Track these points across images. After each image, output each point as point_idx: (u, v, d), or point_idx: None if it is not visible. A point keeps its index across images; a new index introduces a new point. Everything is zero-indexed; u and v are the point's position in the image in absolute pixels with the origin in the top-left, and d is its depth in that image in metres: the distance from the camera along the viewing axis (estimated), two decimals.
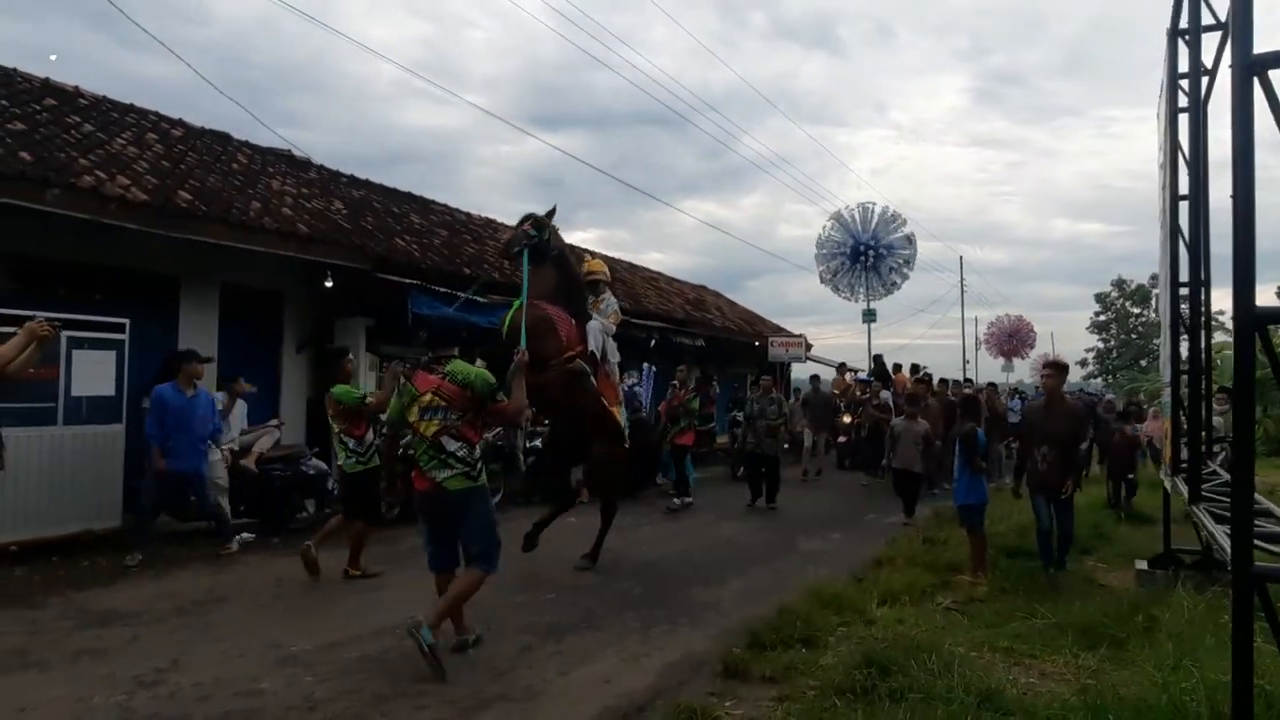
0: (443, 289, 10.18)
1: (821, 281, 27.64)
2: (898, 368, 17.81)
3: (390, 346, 10.48)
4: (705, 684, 4.34)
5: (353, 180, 13.42)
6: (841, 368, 18.17)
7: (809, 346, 21.02)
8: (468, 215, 15.72)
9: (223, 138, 11.69)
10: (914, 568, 6.87)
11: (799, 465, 14.35)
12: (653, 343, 15.38)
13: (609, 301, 7.38)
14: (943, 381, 14.57)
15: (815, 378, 16.69)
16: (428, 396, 4.53)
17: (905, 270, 26.88)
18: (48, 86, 9.72)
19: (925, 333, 63.23)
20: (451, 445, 4.48)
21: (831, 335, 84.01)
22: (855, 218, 26.97)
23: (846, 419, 15.48)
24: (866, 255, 26.47)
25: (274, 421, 8.89)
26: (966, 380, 17.19)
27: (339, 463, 6.67)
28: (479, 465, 4.59)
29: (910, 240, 26.87)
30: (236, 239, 8.51)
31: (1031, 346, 35.57)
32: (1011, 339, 35.65)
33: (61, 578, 6.26)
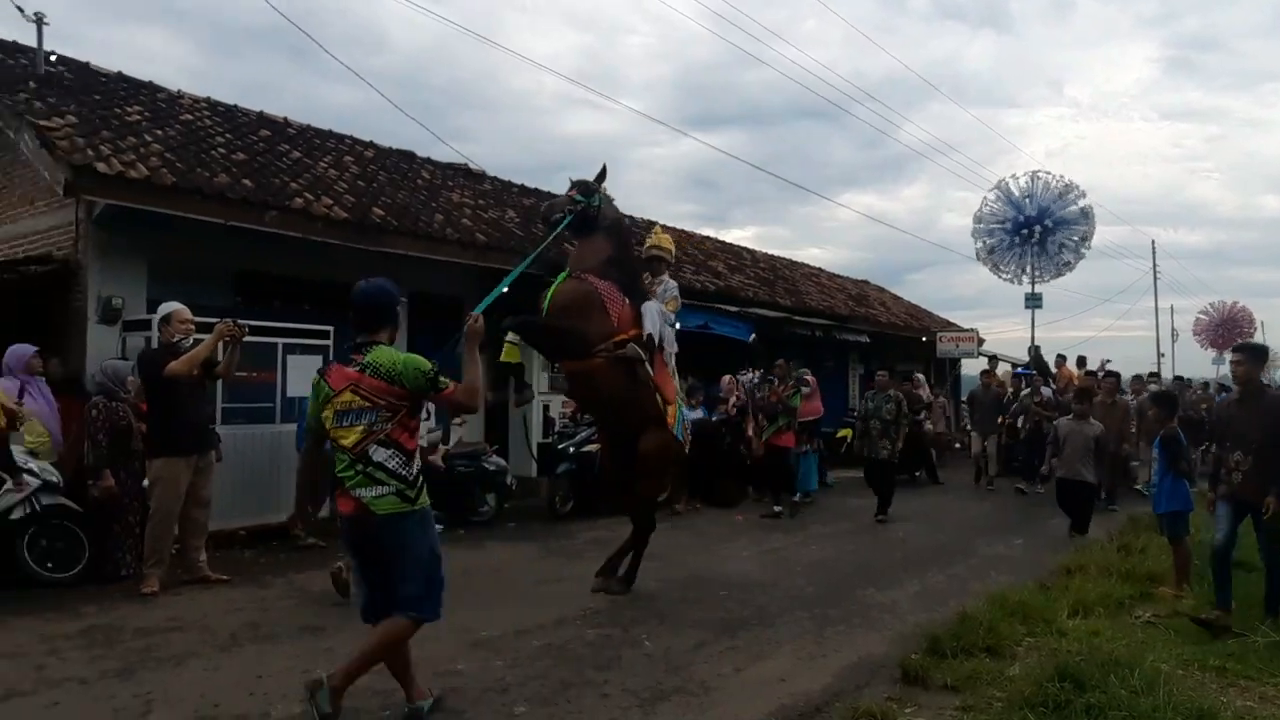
0: None
1: (978, 258, 24.46)
2: (1062, 360, 15.73)
3: None
4: (883, 688, 4.27)
5: (523, 189, 14.07)
6: (992, 362, 16.30)
7: (981, 341, 20.00)
8: (630, 219, 16.08)
9: (408, 156, 12.60)
10: (1108, 577, 6.42)
11: (951, 469, 13.67)
12: (815, 339, 15.16)
13: (668, 286, 6.30)
14: (1109, 374, 12.16)
15: (985, 373, 15.34)
16: (345, 396, 3.47)
17: (1080, 249, 23.42)
18: (263, 119, 10.85)
19: (1112, 324, 58.39)
20: (380, 455, 3.45)
21: (1003, 328, 79.10)
22: (1024, 187, 23.65)
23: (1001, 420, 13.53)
24: (1034, 230, 23.12)
25: (457, 420, 9.48)
26: (1151, 375, 15.31)
27: None
28: (418, 481, 3.56)
29: (1087, 215, 23.39)
30: (423, 250, 9.18)
31: (1250, 337, 31.71)
32: (1225, 328, 31.85)
33: (281, 560, 7.00)
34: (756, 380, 10.92)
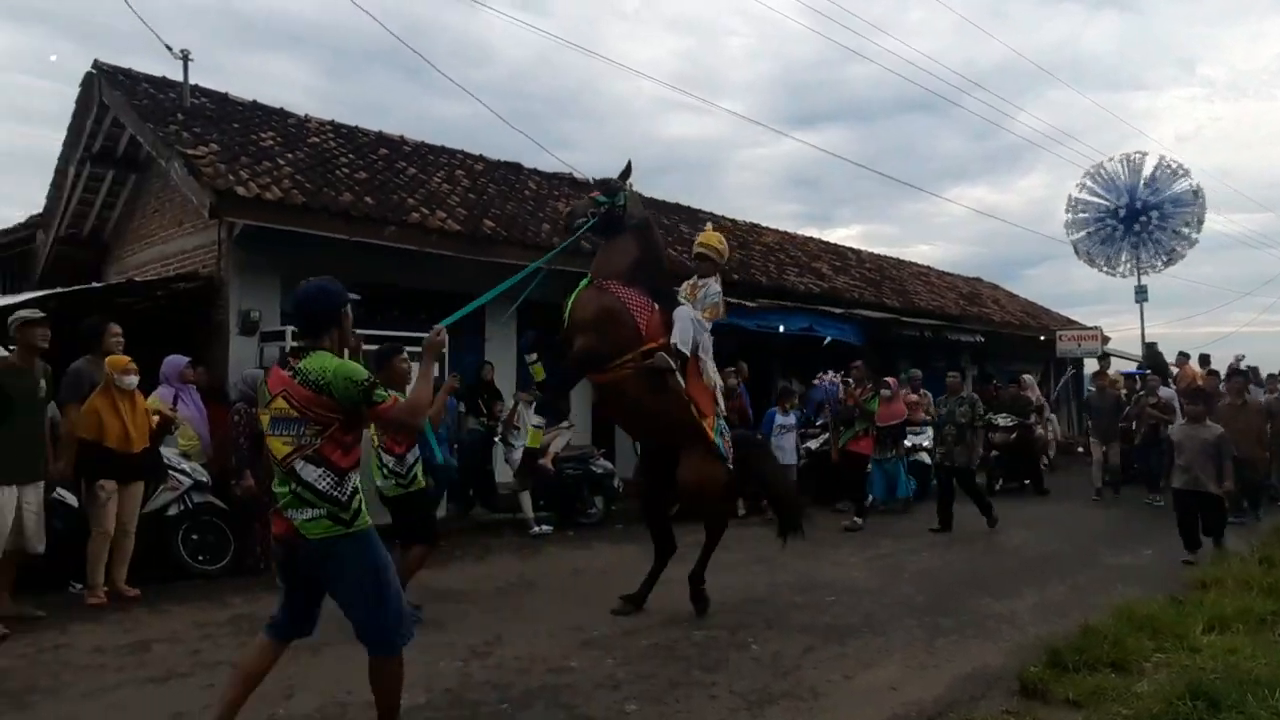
0: None
1: (1076, 254, 23.03)
2: (1184, 358, 14.27)
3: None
4: (999, 701, 4.17)
5: None
6: (1104, 362, 15.09)
7: (1106, 339, 19.00)
8: (732, 221, 16.10)
9: (515, 168, 13.01)
10: (1248, 592, 6.02)
11: (1068, 475, 12.99)
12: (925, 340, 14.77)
13: (710, 291, 5.75)
14: (1236, 373, 10.61)
15: (1098, 374, 13.74)
16: (278, 402, 3.10)
17: (1191, 233, 21.74)
18: (381, 138, 11.44)
19: (1255, 319, 53.74)
20: (309, 474, 3.06)
21: (1129, 325, 74.46)
22: (1120, 172, 22.04)
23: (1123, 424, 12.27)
24: (1136, 217, 21.58)
25: (565, 424, 9.74)
26: None
27: (376, 483, 5.48)
28: (352, 502, 3.12)
29: (1198, 195, 21.59)
30: (531, 259, 9.44)
31: None
32: None
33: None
34: (835, 384, 10.34)
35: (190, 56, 9.05)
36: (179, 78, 9.31)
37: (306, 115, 10.96)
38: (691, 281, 5.82)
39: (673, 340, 5.27)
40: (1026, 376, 13.83)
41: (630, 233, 5.51)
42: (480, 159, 12.67)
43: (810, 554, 7.59)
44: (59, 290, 7.94)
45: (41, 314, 5.25)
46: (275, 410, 3.10)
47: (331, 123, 11.16)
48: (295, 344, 3.28)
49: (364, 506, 3.16)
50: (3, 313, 6.95)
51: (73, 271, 10.39)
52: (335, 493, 3.07)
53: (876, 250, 20.10)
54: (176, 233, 9.23)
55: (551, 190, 12.64)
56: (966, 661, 4.76)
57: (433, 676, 4.38)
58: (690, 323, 5.40)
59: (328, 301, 3.25)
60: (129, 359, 5.82)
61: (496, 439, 9.05)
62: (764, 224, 17.19)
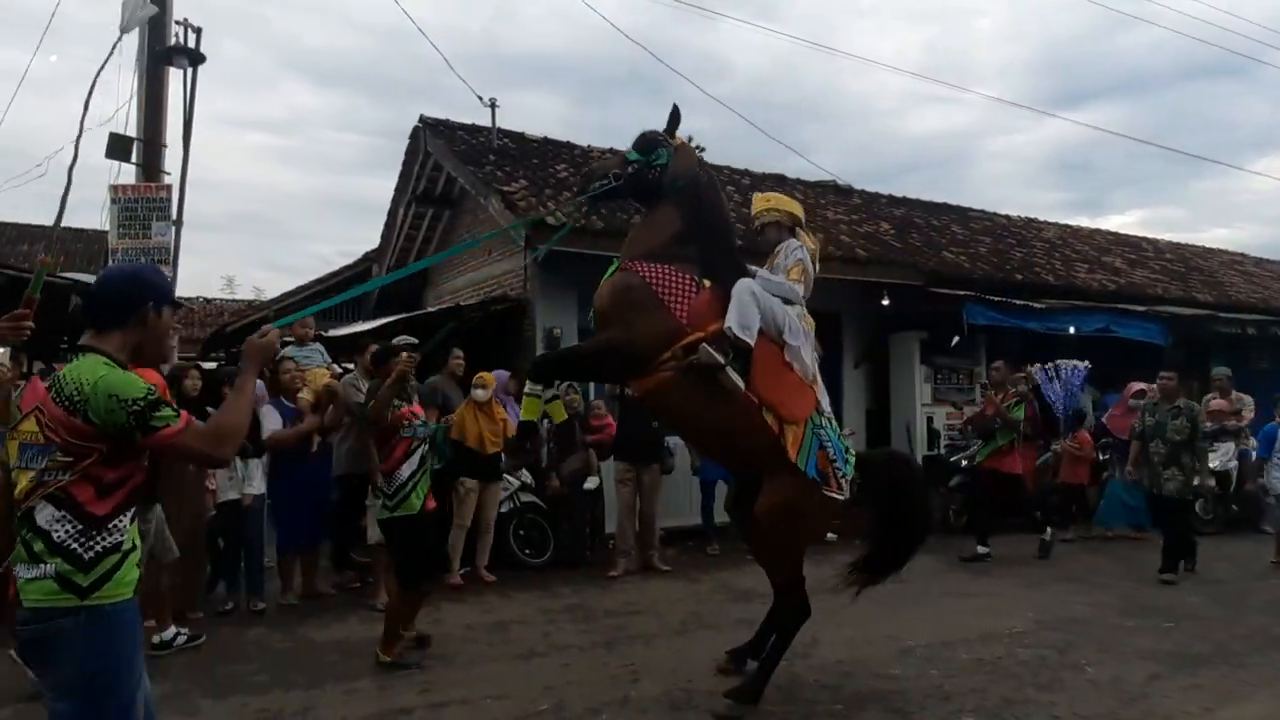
0: (996, 297, 10.15)
1: None
2: None
3: (943, 358, 10.70)
4: None
5: (891, 200, 13.97)
6: None
7: None
8: (1007, 218, 15.18)
9: (780, 179, 13.17)
10: None
11: None
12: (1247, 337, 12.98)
13: (789, 250, 4.42)
14: None
15: None
16: (27, 423, 2.20)
17: None
18: None
19: None
20: (44, 518, 2.16)
21: None
22: None
23: None
24: None
25: (846, 431, 9.73)
26: None
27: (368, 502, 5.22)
28: (99, 564, 2.17)
29: None
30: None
31: None
32: None
33: (699, 559, 7.76)
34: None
35: (497, 104, 10.18)
36: (485, 123, 10.51)
37: (589, 145, 11.86)
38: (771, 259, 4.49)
39: (726, 325, 3.98)
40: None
41: (671, 198, 4.25)
42: (746, 174, 12.97)
43: (1126, 574, 7.05)
44: (401, 316, 9.26)
45: (415, 341, 6.19)
46: (23, 434, 2.20)
47: (611, 149, 11.98)
48: (76, 341, 2.32)
49: (125, 575, 2.20)
50: (353, 339, 8.29)
51: (400, 299, 12.01)
52: (75, 545, 2.14)
53: (1163, 236, 17.97)
54: (486, 261, 10.37)
55: (818, 199, 12.66)
56: None
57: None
58: (753, 297, 4.06)
59: (134, 290, 2.34)
60: (489, 374, 6.78)
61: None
62: (1028, 215, 16.02)
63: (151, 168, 7.82)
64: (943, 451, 10.12)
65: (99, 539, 2.17)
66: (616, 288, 4.18)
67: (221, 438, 2.31)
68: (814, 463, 4.08)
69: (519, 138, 11.01)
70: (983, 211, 15.07)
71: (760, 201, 4.68)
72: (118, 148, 7.64)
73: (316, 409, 6.07)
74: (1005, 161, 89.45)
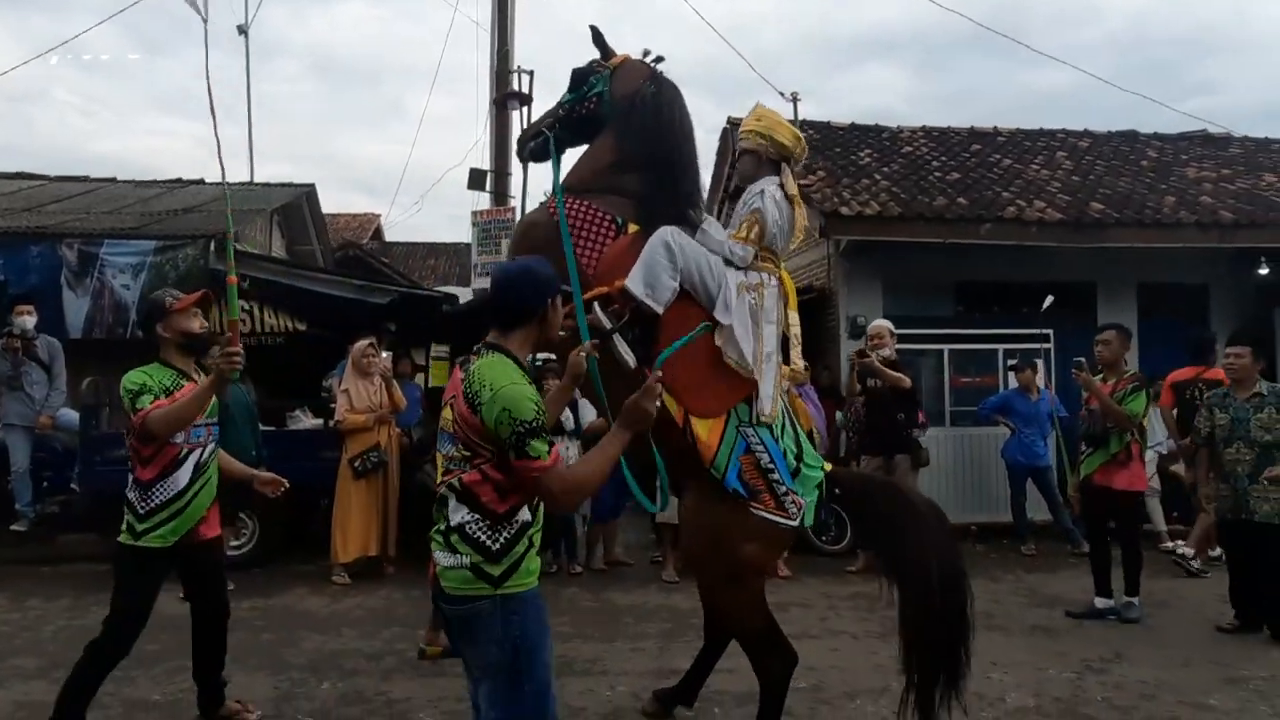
0: None
1: None
2: None
3: None
4: None
5: None
6: None
7: None
8: None
9: (1130, 136, 11.64)
10: None
11: None
12: None
13: (749, 199, 3.48)
14: None
15: None
16: (446, 410, 2.43)
17: None
18: (973, 133, 11.41)
19: None
20: (454, 508, 2.35)
21: None
22: None
23: None
24: None
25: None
26: None
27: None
28: (510, 553, 2.32)
29: None
30: (1149, 240, 8.46)
31: None
32: None
33: (1010, 559, 7.30)
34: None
35: (799, 97, 10.35)
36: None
37: (899, 126, 11.51)
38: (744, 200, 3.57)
39: (626, 282, 3.17)
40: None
41: (611, 125, 3.52)
42: (1085, 134, 11.65)
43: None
44: None
45: None
46: (444, 420, 2.40)
47: (923, 129, 11.51)
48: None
49: (529, 564, 2.36)
50: None
51: None
52: (483, 538, 2.30)
53: None
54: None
55: (1178, 155, 10.97)
56: None
57: (1042, 683, 4.35)
58: (668, 251, 3.20)
59: (534, 293, 2.42)
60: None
61: None
62: None
63: (500, 194, 9.26)
64: None
65: (504, 529, 2.30)
66: (521, 227, 3.80)
67: (577, 491, 2.38)
68: (735, 471, 3.19)
69: (823, 126, 11.06)
70: None
71: (749, 120, 3.66)
72: (476, 180, 9.17)
73: None
74: None
